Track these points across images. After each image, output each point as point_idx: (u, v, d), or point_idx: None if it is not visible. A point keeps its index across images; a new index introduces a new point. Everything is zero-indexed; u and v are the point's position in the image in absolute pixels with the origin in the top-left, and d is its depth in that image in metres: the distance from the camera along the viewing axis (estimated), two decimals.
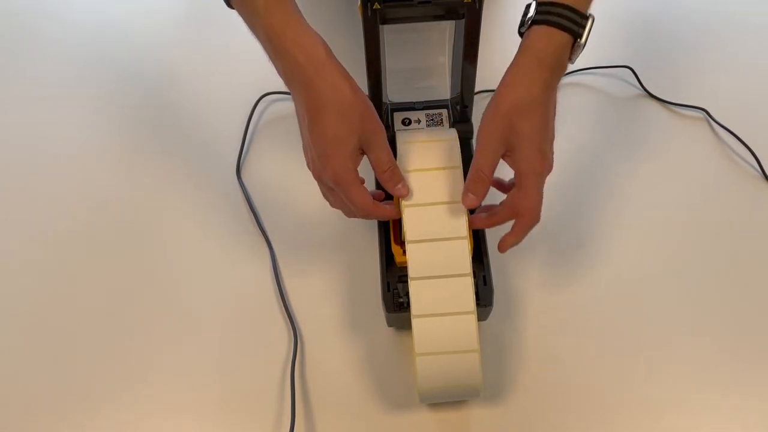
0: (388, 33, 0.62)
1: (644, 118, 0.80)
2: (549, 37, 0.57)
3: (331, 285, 0.69)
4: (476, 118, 0.75)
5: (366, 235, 0.71)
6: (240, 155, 0.77)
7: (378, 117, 0.58)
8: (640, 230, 0.72)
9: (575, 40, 0.57)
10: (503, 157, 0.58)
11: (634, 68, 0.82)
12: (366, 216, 0.60)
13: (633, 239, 0.71)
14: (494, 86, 0.81)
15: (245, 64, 0.84)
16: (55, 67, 0.86)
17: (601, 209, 0.73)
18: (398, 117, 0.70)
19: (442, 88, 0.71)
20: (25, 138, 0.80)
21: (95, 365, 0.65)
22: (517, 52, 0.58)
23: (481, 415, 0.62)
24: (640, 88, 0.82)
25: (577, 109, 0.81)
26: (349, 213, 0.61)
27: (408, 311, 0.61)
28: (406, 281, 0.62)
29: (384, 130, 0.58)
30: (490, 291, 0.61)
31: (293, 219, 0.73)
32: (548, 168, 0.59)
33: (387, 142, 0.58)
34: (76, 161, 0.78)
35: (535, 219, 0.58)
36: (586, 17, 0.58)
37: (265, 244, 0.71)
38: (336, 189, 0.58)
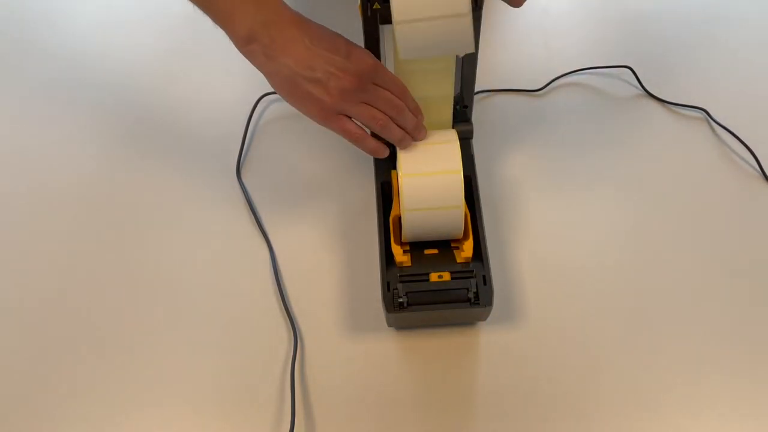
0: (388, 33, 0.62)
1: (644, 118, 0.80)
2: None
3: (331, 285, 0.69)
4: (476, 118, 0.75)
5: (366, 235, 0.71)
6: (240, 155, 0.77)
7: None
8: (639, 230, 0.72)
9: None
10: None
11: (634, 68, 0.82)
12: (403, 93, 0.62)
13: (632, 238, 0.71)
14: (494, 86, 0.82)
15: (245, 64, 0.83)
16: (55, 65, 0.86)
17: (600, 209, 0.73)
18: None
19: None
20: (23, 138, 0.80)
21: (95, 365, 0.65)
22: None
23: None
24: (640, 88, 0.82)
25: (577, 109, 0.81)
26: (384, 123, 0.61)
27: (408, 311, 0.61)
28: (406, 281, 0.62)
29: None
30: (490, 291, 0.61)
31: (293, 219, 0.73)
32: None
33: None
34: (75, 161, 0.78)
35: None
36: None
37: (265, 244, 0.71)
38: (376, 76, 0.59)
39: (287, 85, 0.59)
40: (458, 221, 0.63)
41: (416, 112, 0.63)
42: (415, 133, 0.63)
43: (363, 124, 0.62)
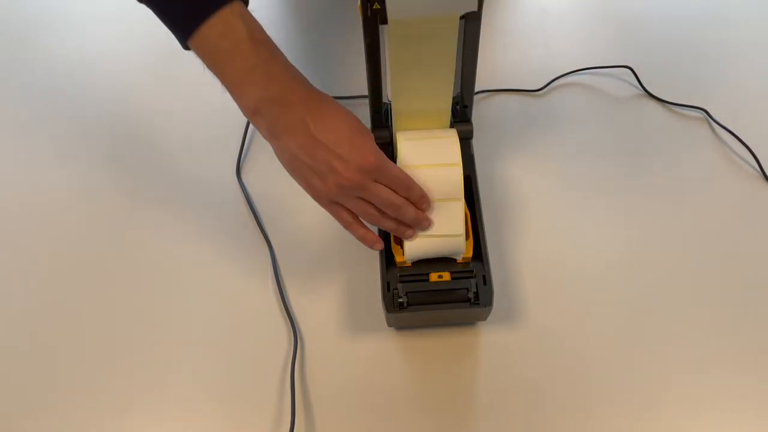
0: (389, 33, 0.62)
1: (644, 118, 0.80)
2: None
3: (331, 285, 0.69)
4: (476, 118, 0.75)
5: None
6: (240, 155, 0.77)
7: None
8: (639, 230, 0.72)
9: None
10: None
11: (634, 68, 0.82)
12: (407, 189, 0.58)
13: (632, 239, 0.71)
14: (494, 86, 0.82)
15: None
16: (56, 67, 0.86)
17: (600, 209, 0.73)
18: None
19: None
20: (25, 139, 0.80)
21: (95, 366, 0.65)
22: None
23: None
24: (640, 88, 0.82)
25: (577, 109, 0.81)
26: (374, 217, 0.59)
27: (408, 311, 0.61)
28: (406, 281, 0.62)
29: None
30: (490, 291, 0.61)
31: (293, 219, 0.73)
32: None
33: None
34: (75, 161, 0.78)
35: None
36: None
37: (265, 244, 0.71)
38: (378, 175, 0.56)
39: (288, 163, 0.59)
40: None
41: (421, 202, 0.60)
42: (415, 225, 0.61)
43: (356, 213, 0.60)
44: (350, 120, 0.58)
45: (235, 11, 0.54)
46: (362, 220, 0.61)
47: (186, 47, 0.56)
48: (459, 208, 0.62)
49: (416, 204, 0.60)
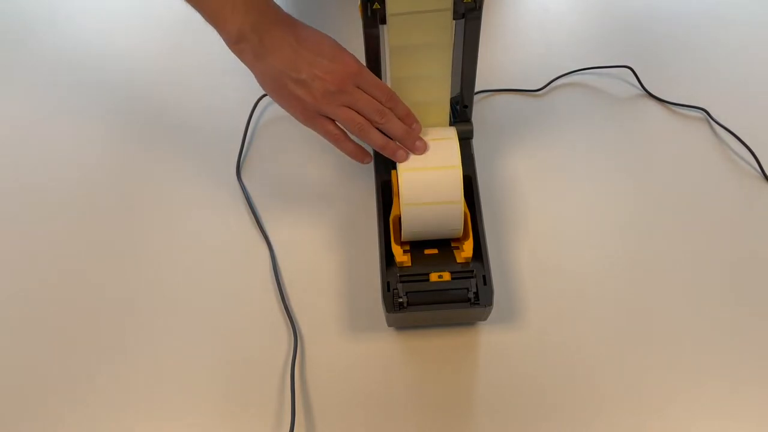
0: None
1: (644, 118, 0.80)
2: None
3: (331, 285, 0.69)
4: (476, 118, 0.75)
5: (366, 235, 0.71)
6: (240, 155, 0.77)
7: None
8: (639, 230, 0.72)
9: None
10: None
11: (634, 68, 0.82)
12: (390, 99, 0.61)
13: (632, 238, 0.71)
14: (494, 86, 0.82)
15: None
16: (55, 67, 0.86)
17: (600, 209, 0.73)
18: None
19: None
20: (25, 139, 0.80)
21: (93, 365, 0.65)
22: None
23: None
24: (640, 88, 0.82)
25: (577, 109, 0.81)
26: (361, 125, 0.61)
27: (408, 311, 0.61)
28: (406, 281, 0.62)
29: None
30: (490, 291, 0.61)
31: (293, 219, 0.73)
32: None
33: None
34: (75, 161, 0.78)
35: None
36: None
37: (265, 244, 0.71)
38: (360, 80, 0.60)
39: (274, 84, 0.61)
40: (457, 218, 0.63)
41: (408, 119, 0.63)
42: (405, 142, 0.63)
43: (342, 126, 0.63)
44: (332, 40, 0.61)
45: None
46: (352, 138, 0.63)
47: None
48: (453, 145, 0.63)
49: (402, 119, 0.62)
